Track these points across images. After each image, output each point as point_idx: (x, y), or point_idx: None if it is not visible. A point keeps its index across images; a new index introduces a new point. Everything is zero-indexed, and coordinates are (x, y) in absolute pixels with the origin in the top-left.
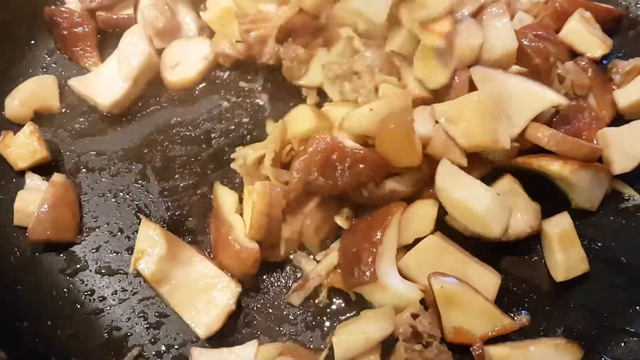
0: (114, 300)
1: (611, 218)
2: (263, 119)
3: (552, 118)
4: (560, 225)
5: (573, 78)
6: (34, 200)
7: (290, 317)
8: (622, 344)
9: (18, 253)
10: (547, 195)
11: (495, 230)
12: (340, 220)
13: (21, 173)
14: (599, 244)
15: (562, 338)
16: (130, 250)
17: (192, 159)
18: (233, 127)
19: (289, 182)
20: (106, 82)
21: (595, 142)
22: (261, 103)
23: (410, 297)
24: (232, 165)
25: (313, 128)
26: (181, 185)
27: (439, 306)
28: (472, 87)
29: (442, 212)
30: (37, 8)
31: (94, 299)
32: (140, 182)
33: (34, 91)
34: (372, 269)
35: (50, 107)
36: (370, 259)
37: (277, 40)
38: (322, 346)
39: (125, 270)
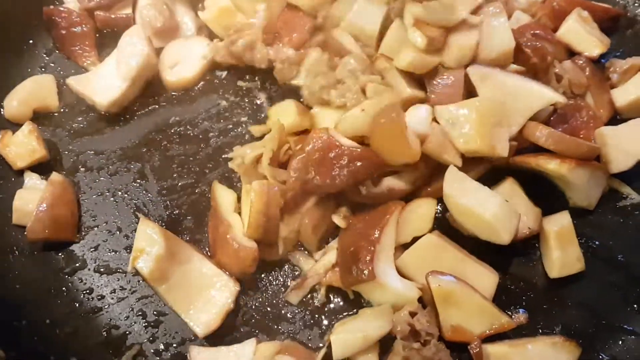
0: (112, 299)
1: (609, 217)
2: (261, 119)
3: (550, 117)
4: (559, 223)
5: (570, 77)
6: (32, 199)
7: (288, 315)
8: (620, 342)
9: (17, 252)
10: (546, 194)
11: (504, 237)
12: (337, 219)
13: (20, 172)
14: (597, 243)
15: (560, 336)
16: (129, 249)
17: (191, 158)
18: (231, 126)
19: (286, 181)
20: (104, 82)
21: (593, 141)
22: (259, 102)
23: (408, 296)
24: (230, 165)
25: (295, 123)
26: (180, 184)
27: (437, 304)
28: (471, 87)
29: (440, 211)
30: (35, 8)
31: (93, 298)
32: (138, 181)
33: (33, 91)
34: (370, 268)
35: (49, 106)
36: (368, 258)
37: (267, 42)
38: (320, 344)
39: (124, 269)
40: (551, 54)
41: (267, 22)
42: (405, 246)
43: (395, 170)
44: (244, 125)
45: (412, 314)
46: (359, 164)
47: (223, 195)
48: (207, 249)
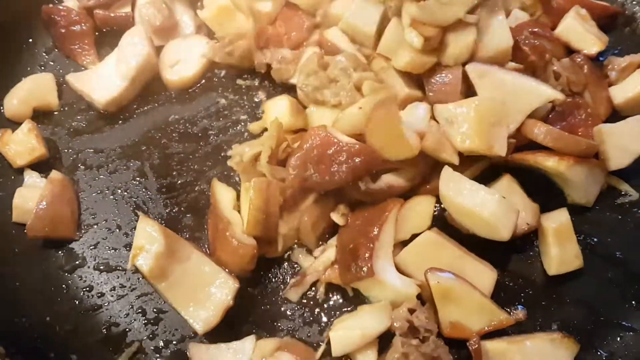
0: (112, 296)
1: (607, 214)
2: (260, 117)
3: (548, 114)
4: (557, 220)
5: (569, 75)
6: (32, 197)
7: (287, 312)
8: (618, 339)
9: (17, 249)
10: (545, 191)
11: (503, 233)
12: (336, 217)
13: (20, 170)
14: (595, 240)
15: (558, 333)
16: (129, 246)
17: (190, 156)
18: (230, 124)
19: (285, 178)
20: (103, 80)
21: (591, 138)
22: (258, 100)
23: (407, 293)
24: (229, 163)
25: (289, 124)
26: (179, 182)
27: (436, 301)
28: (469, 85)
29: (439, 208)
30: (35, 6)
31: (93, 295)
32: (138, 179)
33: (33, 89)
34: (369, 265)
35: (48, 105)
36: (367, 255)
37: (263, 46)
38: (320, 341)
39: (124, 267)
40: (549, 51)
41: (259, 29)
42: (404, 243)
43: (394, 168)
44: (243, 124)
45: (411, 311)
46: (357, 160)
47: (222, 193)
48: (206, 246)
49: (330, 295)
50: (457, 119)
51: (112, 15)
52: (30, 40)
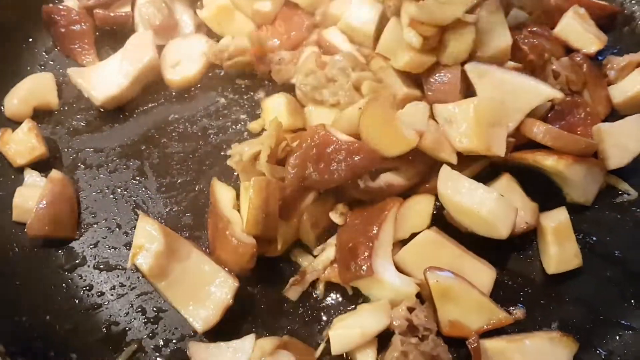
0: (112, 295)
1: (606, 213)
2: (260, 116)
3: (548, 114)
4: (556, 219)
5: (568, 74)
6: (32, 197)
7: (287, 311)
8: (617, 337)
9: (17, 249)
10: (544, 190)
11: (502, 231)
12: (334, 217)
13: (20, 170)
14: (594, 238)
15: (557, 331)
16: (128, 245)
17: (190, 156)
18: (230, 123)
19: (285, 178)
20: (105, 77)
21: (590, 137)
22: (258, 99)
23: (406, 291)
24: (229, 162)
25: (287, 124)
26: (179, 181)
27: (435, 300)
28: (469, 84)
29: (439, 207)
30: (35, 6)
31: (93, 294)
32: (138, 178)
33: (33, 89)
34: (368, 264)
35: (49, 104)
36: (366, 254)
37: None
38: (319, 340)
39: (123, 266)
40: (548, 51)
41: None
42: (403, 242)
43: (394, 167)
44: (242, 123)
45: (410, 310)
46: (356, 158)
47: (222, 192)
48: (206, 245)
49: (330, 294)
50: (456, 118)
51: (112, 14)
52: (30, 40)
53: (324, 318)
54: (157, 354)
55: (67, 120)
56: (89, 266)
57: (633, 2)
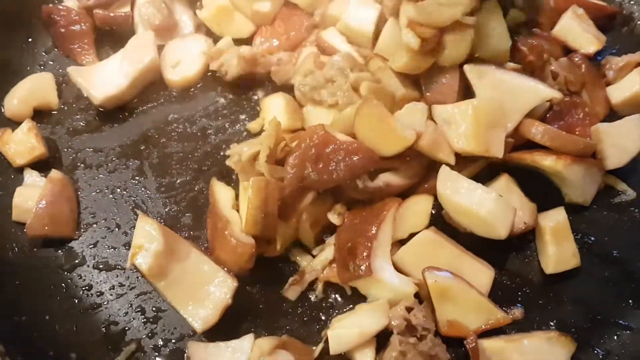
0: (111, 295)
1: (604, 213)
2: (259, 116)
3: (546, 114)
4: (554, 219)
5: (567, 74)
6: (32, 197)
7: (286, 311)
8: (615, 337)
9: (16, 248)
10: (542, 191)
11: (501, 232)
12: (332, 217)
13: (20, 169)
14: (592, 239)
15: (555, 331)
16: (128, 245)
17: (189, 156)
18: (229, 123)
19: (284, 178)
20: (104, 77)
21: (588, 137)
22: (257, 99)
23: (405, 291)
24: (228, 162)
25: (286, 125)
26: (178, 181)
27: (433, 300)
28: (468, 85)
29: (437, 207)
30: (34, 6)
31: (92, 294)
32: (137, 178)
33: (33, 89)
34: (367, 263)
35: (48, 104)
36: (365, 254)
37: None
38: (318, 340)
39: (123, 266)
40: (547, 51)
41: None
42: (402, 242)
43: (392, 167)
44: (241, 123)
45: (409, 309)
46: (355, 158)
47: (221, 192)
48: (205, 245)
49: (329, 294)
50: (455, 119)
51: (111, 14)
52: (30, 39)
53: (323, 318)
54: (156, 354)
55: (66, 120)
56: (88, 266)
57: (632, 2)
